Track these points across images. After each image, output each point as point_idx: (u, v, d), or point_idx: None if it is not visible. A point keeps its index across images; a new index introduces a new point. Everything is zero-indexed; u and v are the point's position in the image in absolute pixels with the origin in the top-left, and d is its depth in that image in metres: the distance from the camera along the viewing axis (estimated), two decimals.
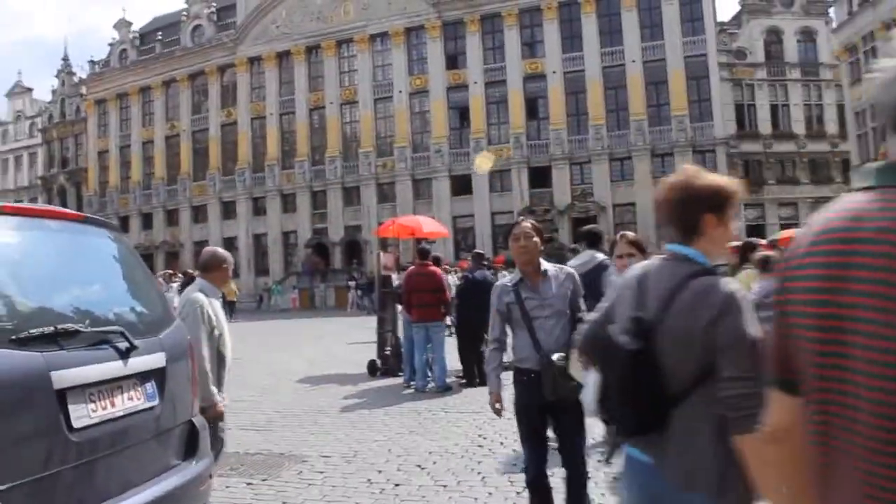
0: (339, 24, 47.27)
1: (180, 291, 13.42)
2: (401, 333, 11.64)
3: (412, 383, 10.48)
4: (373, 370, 11.90)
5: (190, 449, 3.37)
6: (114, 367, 2.86)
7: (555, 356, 3.78)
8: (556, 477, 4.19)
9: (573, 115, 42.67)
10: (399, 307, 11.44)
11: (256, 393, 10.25)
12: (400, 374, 11.27)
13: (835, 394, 1.18)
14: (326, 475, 5.84)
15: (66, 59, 61.11)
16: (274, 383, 11.48)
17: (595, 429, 3.73)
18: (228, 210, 50.62)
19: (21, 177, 64.09)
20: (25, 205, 3.12)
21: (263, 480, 5.72)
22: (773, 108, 41.45)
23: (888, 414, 1.08)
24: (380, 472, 5.88)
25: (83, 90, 58.33)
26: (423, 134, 45.62)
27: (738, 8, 44.27)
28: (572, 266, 4.72)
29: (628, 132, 41.07)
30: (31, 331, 2.52)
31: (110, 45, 57.41)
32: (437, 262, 11.47)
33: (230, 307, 22.65)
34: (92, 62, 58.50)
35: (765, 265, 5.94)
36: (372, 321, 13.79)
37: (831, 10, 40.48)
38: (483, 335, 9.27)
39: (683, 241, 2.15)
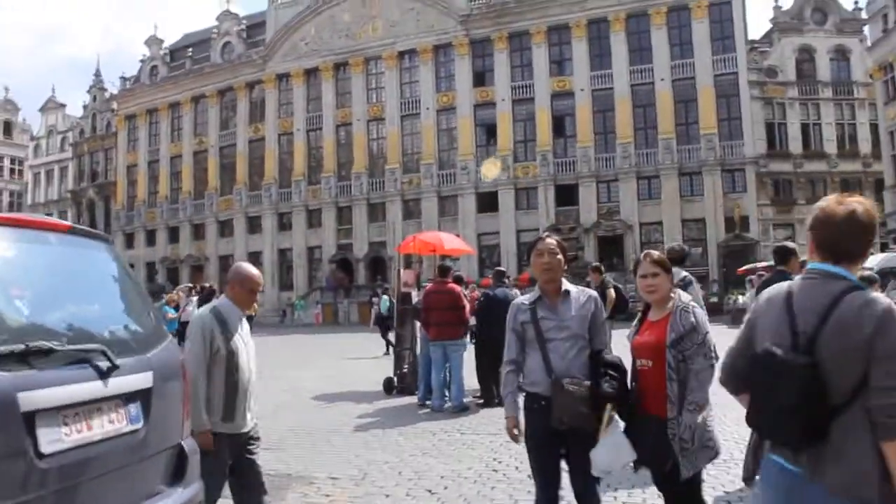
0: (368, 41, 47.58)
1: (199, 305, 13.36)
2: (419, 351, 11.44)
3: (428, 402, 10.27)
4: (389, 388, 11.72)
5: (178, 474, 3.18)
6: (92, 388, 2.67)
7: (566, 381, 3.55)
8: None
9: (601, 133, 42.43)
10: (418, 324, 11.26)
11: (271, 410, 10.09)
12: (416, 392, 11.06)
13: None
14: (332, 499, 5.64)
15: (97, 74, 62.23)
16: (289, 400, 11.34)
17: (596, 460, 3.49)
18: (254, 225, 50.95)
19: (52, 190, 65.18)
20: (3, 214, 2.94)
21: None
22: (804, 127, 40.84)
23: None
24: (387, 496, 5.66)
25: (114, 105, 59.31)
26: (450, 151, 45.65)
27: (769, 26, 43.88)
28: None
29: (656, 150, 40.76)
30: None
31: (141, 61, 58.42)
32: (458, 280, 11.26)
33: (248, 321, 22.72)
34: (123, 78, 59.67)
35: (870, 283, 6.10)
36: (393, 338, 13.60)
37: (866, 28, 39.94)
38: (502, 354, 9.03)
39: (834, 263, 2.27)
